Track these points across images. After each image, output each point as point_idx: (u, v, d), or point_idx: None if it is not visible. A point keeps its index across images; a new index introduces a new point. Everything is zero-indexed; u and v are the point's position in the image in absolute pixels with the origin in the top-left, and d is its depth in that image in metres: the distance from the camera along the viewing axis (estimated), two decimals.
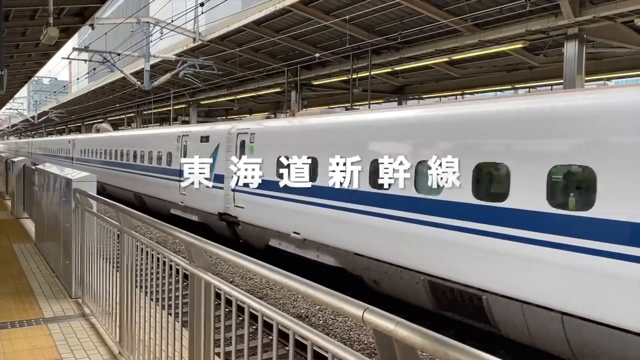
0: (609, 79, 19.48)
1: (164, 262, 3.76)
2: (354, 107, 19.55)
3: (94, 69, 26.27)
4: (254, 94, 27.89)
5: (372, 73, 19.10)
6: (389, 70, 20.46)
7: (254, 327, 7.79)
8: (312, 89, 24.81)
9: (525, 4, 12.45)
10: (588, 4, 12.36)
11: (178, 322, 3.64)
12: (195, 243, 3.12)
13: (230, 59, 23.40)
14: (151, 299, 4.03)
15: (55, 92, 59.79)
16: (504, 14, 13.96)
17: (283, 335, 6.98)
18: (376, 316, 1.70)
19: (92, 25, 16.55)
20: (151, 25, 22.17)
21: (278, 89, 25.00)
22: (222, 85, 28.07)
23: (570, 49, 13.26)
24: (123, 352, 4.51)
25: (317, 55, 19.42)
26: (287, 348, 7.46)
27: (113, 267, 4.96)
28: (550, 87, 20.05)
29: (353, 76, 19.65)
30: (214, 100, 32.17)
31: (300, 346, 7.05)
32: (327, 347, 1.98)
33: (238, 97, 29.76)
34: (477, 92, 23.28)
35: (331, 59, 20.43)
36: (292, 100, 23.54)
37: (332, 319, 9.19)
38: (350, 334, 8.54)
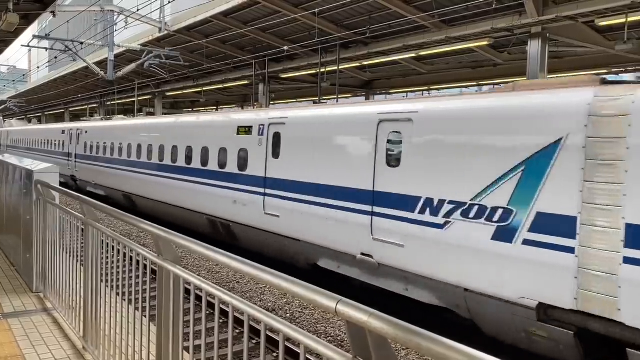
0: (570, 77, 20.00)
1: (131, 257, 3.69)
2: (321, 100, 19.56)
3: (55, 57, 25.51)
4: (221, 86, 27.59)
5: (340, 67, 19.14)
6: (357, 64, 20.54)
7: (222, 320, 7.76)
8: (280, 82, 24.71)
9: (491, 1, 12.67)
10: (551, 3, 12.67)
11: (145, 316, 3.59)
12: (164, 236, 3.07)
13: (196, 50, 23.07)
14: (117, 294, 3.96)
15: (14, 80, 57.86)
16: (470, 12, 14.17)
17: (251, 329, 6.97)
18: (349, 308, 1.71)
19: (53, 13, 16.04)
20: (115, 14, 21.65)
21: (246, 82, 24.80)
22: (188, 76, 27.68)
23: (534, 47, 13.58)
24: (87, 347, 4.42)
25: (285, 48, 19.35)
26: (254, 341, 7.45)
27: (77, 261, 4.85)
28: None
29: (321, 70, 19.66)
30: (180, 92, 31.70)
31: (270, 340, 7.05)
32: (299, 338, 1.98)
33: (205, 89, 29.40)
34: (443, 88, 23.59)
35: (300, 52, 20.38)
36: (259, 93, 23.39)
37: (299, 312, 9.22)
38: (317, 327, 8.58)
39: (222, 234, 12.88)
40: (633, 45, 12.97)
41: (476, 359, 1.38)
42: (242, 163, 11.87)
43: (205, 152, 13.34)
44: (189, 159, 14.05)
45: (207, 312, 7.38)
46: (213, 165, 12.96)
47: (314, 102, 18.05)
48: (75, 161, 23.25)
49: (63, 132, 25.44)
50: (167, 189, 15.00)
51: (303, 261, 10.23)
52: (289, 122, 10.72)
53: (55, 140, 26.84)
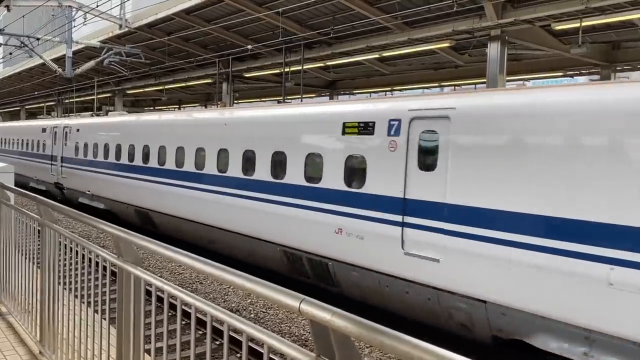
0: (528, 79, 20.58)
1: (90, 259, 3.61)
2: (286, 100, 19.54)
3: (10, 53, 24.66)
4: (183, 84, 27.22)
5: (304, 67, 19.14)
6: (321, 64, 20.59)
7: (184, 322, 7.66)
8: (244, 81, 24.54)
9: (452, 4, 12.90)
10: (510, 7, 13.00)
11: (105, 319, 3.52)
12: (124, 237, 3.02)
13: (158, 47, 22.70)
14: (75, 296, 3.87)
15: None
16: (432, 13, 14.39)
17: (214, 330, 6.90)
18: (313, 307, 1.72)
19: (7, 7, 15.52)
20: (74, 9, 21.07)
21: (209, 80, 24.53)
22: (149, 74, 27.20)
23: (493, 49, 13.89)
24: (44, 351, 4.30)
25: (249, 47, 19.23)
26: (217, 342, 7.39)
27: (33, 263, 4.71)
28: (474, 86, 20.91)
29: (285, 69, 19.62)
30: (141, 90, 31.10)
31: (233, 341, 7.00)
32: (262, 338, 1.98)
33: (167, 87, 28.95)
34: (406, 89, 23.88)
35: (263, 52, 20.30)
36: (223, 91, 23.19)
37: (263, 312, 9.19)
38: (281, 327, 8.57)
39: (308, 274, 9.41)
40: (587, 49, 13.42)
41: (441, 356, 1.40)
42: (353, 176, 8.45)
43: (279, 159, 9.90)
44: (249, 168, 10.67)
45: (170, 314, 7.26)
46: (295, 178, 9.48)
47: (278, 102, 18.03)
48: (62, 166, 19.54)
49: (44, 130, 21.63)
50: (210, 207, 11.61)
51: (486, 331, 6.82)
52: (458, 114, 7.08)
53: (32, 141, 22.94)
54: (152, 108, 40.85)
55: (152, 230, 14.11)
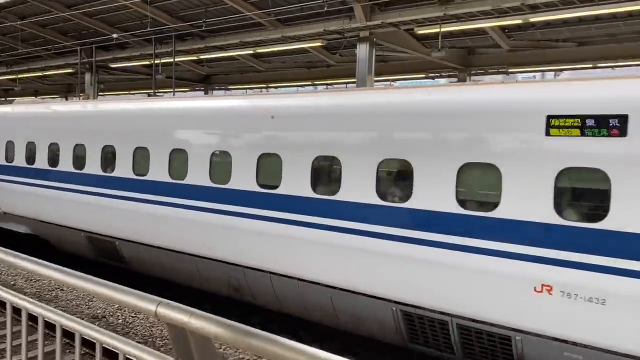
0: (394, 80, 21.72)
1: None
2: (157, 93, 18.75)
3: None
4: (40, 73, 25.01)
5: (176, 60, 18.50)
6: (195, 58, 20.03)
7: (33, 335, 7.05)
8: (109, 72, 23.13)
9: (323, 4, 13.22)
10: (377, 10, 13.62)
11: None
12: None
13: (10, 32, 20.63)
14: None
15: None
16: (304, 12, 14.63)
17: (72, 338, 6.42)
18: (170, 309, 1.64)
19: None
20: None
21: (70, 70, 22.78)
22: (0, 62, 24.65)
23: (362, 50, 14.47)
24: None
25: (114, 36, 18.16)
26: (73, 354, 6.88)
27: None
28: (345, 85, 21.64)
29: (156, 61, 18.81)
30: None
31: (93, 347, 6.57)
32: (118, 347, 1.86)
33: (20, 76, 26.40)
34: (281, 87, 24.04)
35: (131, 42, 19.29)
36: (86, 82, 21.68)
37: (132, 316, 8.74)
38: (152, 331, 8.22)
39: (454, 347, 6.24)
40: (446, 53, 14.47)
41: (317, 357, 1.38)
42: (575, 203, 5.60)
43: (401, 168, 6.67)
44: (326, 182, 7.28)
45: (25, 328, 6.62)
46: (434, 200, 6.25)
47: (149, 95, 17.25)
48: None
49: None
50: (241, 239, 8.14)
51: None
52: None
53: None
54: (3, 99, 37.08)
55: (119, 266, 10.70)
